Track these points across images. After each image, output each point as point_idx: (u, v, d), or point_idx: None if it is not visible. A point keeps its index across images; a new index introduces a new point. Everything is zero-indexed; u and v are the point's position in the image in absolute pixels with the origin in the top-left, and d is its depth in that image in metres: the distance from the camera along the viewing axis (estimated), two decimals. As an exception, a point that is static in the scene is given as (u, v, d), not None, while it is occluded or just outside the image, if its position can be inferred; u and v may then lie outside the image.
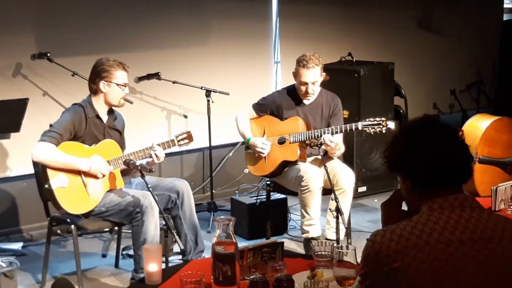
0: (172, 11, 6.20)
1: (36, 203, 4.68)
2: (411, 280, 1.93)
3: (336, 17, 7.20)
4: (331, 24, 7.15)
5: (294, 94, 5.13)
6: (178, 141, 4.62)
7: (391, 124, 4.82)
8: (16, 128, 5.19)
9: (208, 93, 5.92)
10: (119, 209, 4.39)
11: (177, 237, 4.20)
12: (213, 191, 6.08)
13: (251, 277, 2.62)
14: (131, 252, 4.78)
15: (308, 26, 6.95)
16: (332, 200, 4.73)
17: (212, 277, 2.62)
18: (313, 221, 4.95)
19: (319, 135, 4.89)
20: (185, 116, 6.30)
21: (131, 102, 5.47)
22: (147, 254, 2.91)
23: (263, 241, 3.01)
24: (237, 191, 6.03)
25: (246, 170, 5.48)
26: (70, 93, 5.38)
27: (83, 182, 4.34)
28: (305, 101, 5.12)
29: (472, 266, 1.94)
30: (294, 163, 5.07)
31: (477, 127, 5.30)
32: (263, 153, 5.11)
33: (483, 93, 8.32)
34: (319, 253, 2.87)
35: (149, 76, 5.91)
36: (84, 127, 4.42)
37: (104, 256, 5.19)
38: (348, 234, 4.97)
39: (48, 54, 5.46)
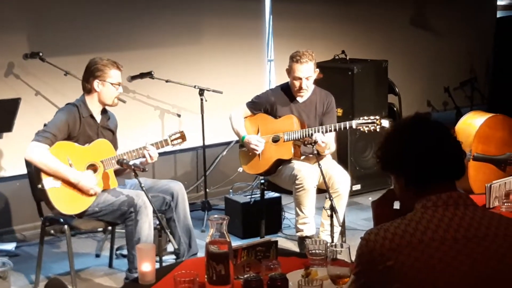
0: (165, 9, 6.19)
1: (29, 203, 4.67)
2: (405, 278, 1.93)
3: (329, 15, 7.20)
4: (325, 22, 7.15)
5: (288, 91, 5.13)
6: (171, 140, 4.61)
7: (385, 122, 4.83)
8: (9, 128, 5.17)
9: (201, 91, 5.92)
10: (112, 209, 4.37)
11: (171, 236, 4.19)
12: (207, 190, 6.07)
13: (245, 276, 2.61)
14: (125, 252, 4.76)
15: (301, 24, 6.94)
16: (326, 198, 4.72)
17: (206, 276, 2.62)
18: (308, 219, 4.94)
19: (313, 133, 4.89)
20: (179, 115, 6.29)
21: (124, 102, 5.47)
22: (140, 253, 2.90)
23: (257, 240, 3.00)
24: (231, 190, 6.02)
25: (240, 169, 5.47)
26: (63, 93, 5.36)
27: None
28: (299, 99, 5.11)
29: (466, 264, 1.94)
30: (288, 161, 5.07)
31: (471, 125, 5.30)
32: (258, 150, 5.10)
33: (477, 90, 8.34)
34: (313, 251, 2.86)
35: (142, 75, 5.91)
36: (78, 127, 4.41)
37: (97, 256, 5.18)
38: (342, 232, 4.97)
39: (40, 54, 5.44)
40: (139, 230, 4.30)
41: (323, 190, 4.86)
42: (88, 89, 4.46)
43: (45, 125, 4.42)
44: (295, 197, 4.94)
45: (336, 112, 5.23)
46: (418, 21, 7.92)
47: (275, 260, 2.81)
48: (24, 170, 4.54)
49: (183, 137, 4.65)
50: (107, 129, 4.59)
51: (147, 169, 4.44)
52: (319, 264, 2.81)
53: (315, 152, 4.76)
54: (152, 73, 5.90)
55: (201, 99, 5.91)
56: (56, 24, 5.66)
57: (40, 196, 4.35)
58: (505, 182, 3.80)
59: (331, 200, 4.44)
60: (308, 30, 6.95)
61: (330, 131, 4.93)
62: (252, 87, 6.21)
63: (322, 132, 4.89)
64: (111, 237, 4.98)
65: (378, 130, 4.81)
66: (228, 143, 6.60)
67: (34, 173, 4.35)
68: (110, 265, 4.97)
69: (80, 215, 4.38)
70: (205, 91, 5.93)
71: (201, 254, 4.50)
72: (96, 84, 4.42)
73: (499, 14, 8.87)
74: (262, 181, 5.32)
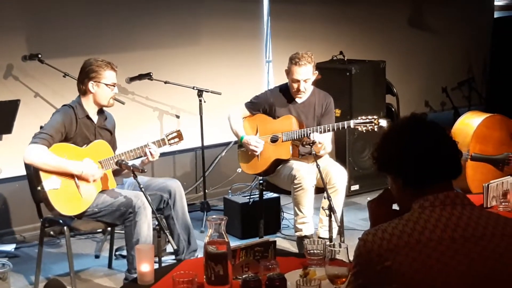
0: (163, 11, 6.19)
1: (29, 205, 4.68)
2: (403, 278, 1.93)
3: (327, 16, 7.20)
4: (323, 23, 7.15)
5: (286, 92, 5.14)
6: (168, 140, 4.62)
7: (383, 122, 4.84)
8: (8, 130, 5.18)
9: (200, 93, 5.92)
10: (111, 209, 4.38)
11: (170, 237, 4.20)
12: (206, 190, 6.08)
13: (244, 276, 2.62)
14: (124, 252, 4.77)
15: (299, 25, 6.95)
16: (324, 198, 4.74)
17: (204, 276, 2.63)
18: (306, 219, 4.96)
19: (311, 133, 4.90)
20: (177, 116, 6.30)
21: (122, 103, 5.48)
22: (139, 254, 2.91)
23: (256, 240, 3.02)
24: (230, 191, 6.02)
25: (239, 170, 5.48)
26: (62, 94, 5.37)
27: (75, 184, 4.33)
28: (298, 100, 5.13)
29: (463, 264, 1.94)
30: (287, 161, 5.08)
31: (468, 125, 5.31)
32: (257, 151, 5.11)
33: (474, 90, 8.35)
34: (312, 251, 2.87)
35: (140, 77, 5.91)
36: (74, 128, 4.41)
37: (97, 257, 5.19)
38: (341, 232, 4.98)
39: (39, 55, 5.45)
40: (138, 230, 4.31)
41: (321, 190, 4.87)
42: (83, 91, 4.47)
43: (41, 127, 4.43)
44: (293, 197, 4.95)
45: (334, 113, 5.24)
46: (416, 22, 7.93)
47: (274, 260, 2.82)
48: (23, 172, 4.54)
49: (180, 136, 4.65)
50: (104, 129, 4.59)
51: (146, 170, 4.45)
52: (317, 264, 2.82)
53: (313, 152, 4.77)
54: (151, 74, 5.91)
55: (200, 100, 5.92)
56: (55, 26, 5.66)
57: (40, 197, 4.35)
58: (503, 182, 3.82)
59: (330, 200, 4.45)
60: (306, 31, 6.96)
61: (328, 131, 4.94)
62: (250, 88, 6.22)
63: (320, 132, 4.91)
64: (111, 238, 4.98)
65: (376, 129, 4.82)
66: (227, 144, 6.61)
67: (33, 174, 4.35)
68: (110, 265, 4.98)
69: (80, 216, 4.39)
70: (204, 92, 5.94)
71: (200, 254, 4.51)
72: (90, 85, 4.43)
73: (496, 14, 8.88)
74: (261, 181, 5.33)
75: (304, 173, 4.89)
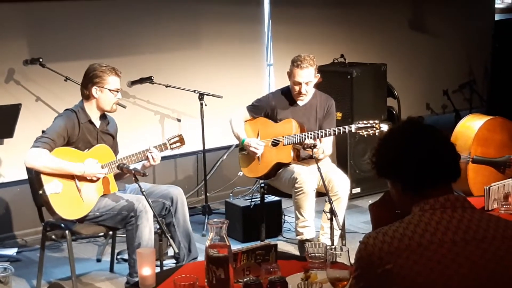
0: (164, 15, 6.20)
1: (30, 209, 4.68)
2: (404, 281, 1.93)
3: (328, 19, 7.21)
4: (323, 26, 7.16)
5: (288, 95, 5.15)
6: (170, 144, 4.62)
7: (385, 127, 4.84)
8: (9, 134, 5.18)
9: (201, 96, 5.93)
10: (113, 213, 4.38)
11: (171, 240, 4.20)
12: (207, 194, 6.08)
13: (245, 279, 2.62)
14: (125, 256, 4.77)
15: (300, 28, 6.96)
16: (326, 202, 4.74)
17: (205, 280, 2.63)
18: (307, 222, 4.95)
19: (313, 137, 4.91)
20: (179, 120, 6.30)
21: (124, 107, 5.48)
22: (140, 258, 2.91)
23: (257, 243, 3.02)
24: (231, 194, 6.03)
25: (240, 173, 5.48)
26: (63, 98, 5.37)
27: (77, 188, 4.34)
28: (299, 102, 5.13)
29: (465, 267, 1.94)
30: (288, 165, 5.08)
31: (470, 127, 5.31)
32: (257, 153, 5.12)
33: (475, 93, 8.35)
34: (313, 254, 2.87)
35: (142, 80, 5.91)
36: (77, 132, 4.42)
37: (98, 260, 5.19)
38: (342, 236, 4.98)
39: (41, 59, 5.45)
40: (139, 234, 4.31)
41: (322, 194, 4.87)
42: (86, 95, 4.47)
43: (43, 131, 4.43)
44: (294, 200, 4.95)
45: (335, 116, 5.25)
46: (417, 25, 7.93)
47: (275, 263, 2.82)
48: (25, 176, 4.55)
49: (181, 140, 4.66)
50: (106, 134, 4.59)
51: (148, 173, 4.45)
52: (318, 267, 2.82)
53: (314, 156, 4.77)
54: (152, 78, 5.91)
55: (201, 104, 5.92)
56: (56, 30, 5.67)
57: (41, 201, 4.35)
58: (504, 185, 3.81)
59: (331, 204, 4.45)
60: (307, 34, 6.96)
61: (330, 135, 4.95)
62: (251, 92, 6.23)
63: (321, 136, 4.92)
64: (112, 241, 4.99)
65: (377, 134, 4.83)
66: (228, 147, 6.61)
67: (35, 179, 4.35)
68: (111, 269, 4.98)
69: (81, 220, 4.39)
70: (205, 95, 5.94)
71: (201, 258, 4.51)
72: (94, 90, 4.43)
73: (497, 17, 8.88)
74: (262, 185, 5.33)
75: (305, 176, 4.89)
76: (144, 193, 4.23)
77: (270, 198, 5.57)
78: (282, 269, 2.74)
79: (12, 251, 5.35)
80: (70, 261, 4.43)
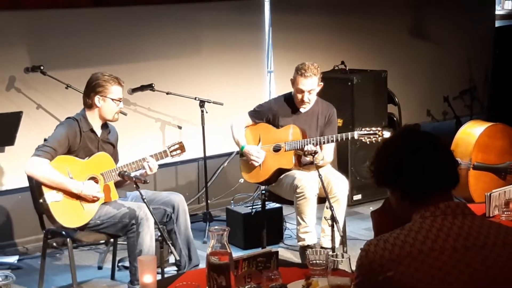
0: (165, 22, 6.21)
1: (31, 216, 4.68)
2: (405, 288, 1.94)
3: (328, 26, 7.22)
4: (324, 33, 7.17)
5: (290, 101, 5.16)
6: (170, 151, 4.63)
7: (387, 134, 4.85)
8: (10, 142, 5.19)
9: (202, 103, 5.93)
10: (114, 221, 4.38)
11: (172, 248, 4.20)
12: (209, 201, 6.08)
13: (246, 287, 2.62)
14: (127, 263, 4.77)
15: (301, 35, 6.96)
16: (327, 208, 4.74)
17: (207, 287, 2.62)
18: (309, 228, 4.96)
19: (314, 143, 4.92)
20: (180, 127, 6.31)
21: (125, 114, 5.49)
22: (141, 265, 2.91)
23: (258, 250, 3.01)
24: (232, 201, 6.03)
25: (241, 180, 5.49)
26: (64, 106, 5.38)
27: (77, 196, 4.34)
28: (301, 109, 5.14)
29: (465, 274, 1.94)
30: (289, 170, 5.09)
31: (470, 134, 5.32)
32: (258, 162, 5.13)
33: (476, 99, 8.35)
34: (314, 261, 2.87)
35: (142, 88, 5.92)
36: (78, 141, 4.42)
37: (100, 268, 5.18)
38: (343, 242, 4.98)
39: (42, 67, 5.46)
40: (141, 242, 4.31)
41: (323, 200, 4.87)
42: (89, 104, 4.47)
43: (45, 139, 4.43)
44: (296, 206, 4.96)
45: (337, 123, 5.26)
46: (417, 31, 7.94)
47: (276, 270, 2.82)
48: (26, 183, 4.55)
49: (182, 148, 4.66)
50: (107, 143, 4.60)
51: (148, 181, 4.45)
52: (319, 274, 2.82)
53: (315, 162, 4.78)
54: (153, 85, 5.92)
55: (202, 111, 5.93)
56: (57, 38, 5.68)
57: (42, 209, 4.36)
58: (505, 191, 3.81)
59: (332, 210, 4.46)
60: (307, 41, 6.97)
61: (332, 141, 4.97)
62: (252, 98, 6.22)
63: (324, 142, 4.93)
64: (113, 249, 4.98)
65: (379, 141, 4.84)
66: (229, 154, 6.61)
67: (35, 187, 4.36)
68: (112, 277, 4.97)
69: (82, 228, 4.39)
70: (206, 102, 5.95)
71: (203, 265, 4.51)
72: (97, 99, 4.43)
73: (497, 23, 8.89)
74: (263, 191, 5.34)
75: (307, 182, 4.90)
76: (145, 200, 4.23)
77: (271, 205, 5.57)
78: (283, 276, 2.74)
79: (13, 259, 5.35)
80: (71, 269, 4.43)
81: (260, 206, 5.45)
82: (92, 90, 4.44)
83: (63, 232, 4.41)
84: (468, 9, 8.30)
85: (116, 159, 4.62)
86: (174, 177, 6.45)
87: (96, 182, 4.41)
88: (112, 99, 4.44)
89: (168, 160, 4.76)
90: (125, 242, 4.56)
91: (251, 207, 5.63)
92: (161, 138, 6.24)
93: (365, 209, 6.35)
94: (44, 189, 4.26)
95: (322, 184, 4.64)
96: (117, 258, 5.02)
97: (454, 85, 8.22)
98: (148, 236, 4.32)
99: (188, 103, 6.05)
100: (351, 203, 6.07)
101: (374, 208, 2.40)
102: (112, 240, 4.92)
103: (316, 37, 7.08)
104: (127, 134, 5.38)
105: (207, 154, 6.03)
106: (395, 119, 7.16)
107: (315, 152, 4.82)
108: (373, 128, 4.89)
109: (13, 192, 5.55)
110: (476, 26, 8.40)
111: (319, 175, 4.63)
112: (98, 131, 4.53)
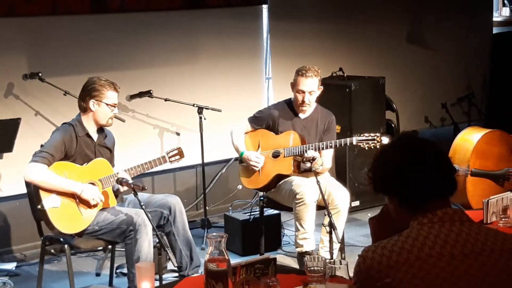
0: (163, 29, 6.22)
1: (29, 223, 4.68)
2: (403, 295, 1.94)
3: (326, 33, 7.23)
4: (322, 40, 7.18)
5: (290, 107, 5.17)
6: (169, 157, 4.64)
7: (386, 140, 4.85)
8: (9, 148, 5.19)
9: (200, 110, 5.94)
10: (112, 227, 4.38)
11: (170, 254, 4.20)
12: (207, 207, 6.08)
13: (244, 293, 2.62)
14: (125, 270, 4.77)
15: (299, 42, 6.98)
16: (325, 215, 4.74)
17: (205, 294, 2.63)
18: (308, 234, 4.95)
19: (313, 149, 4.92)
20: (178, 134, 6.31)
21: (123, 121, 5.50)
22: (139, 272, 2.91)
23: (256, 257, 3.01)
24: (230, 208, 6.03)
25: (239, 186, 5.49)
26: (62, 113, 5.38)
27: (75, 202, 4.34)
28: (301, 115, 5.15)
29: (463, 280, 1.95)
30: (288, 177, 5.09)
31: (468, 140, 5.32)
32: (257, 167, 5.13)
33: (474, 106, 8.36)
34: (312, 268, 2.87)
35: (141, 94, 5.92)
36: (75, 146, 4.42)
37: (98, 275, 5.18)
38: (341, 249, 4.98)
39: (40, 74, 5.46)
40: (138, 248, 4.31)
41: (322, 207, 4.87)
42: (83, 108, 4.48)
43: (41, 145, 4.44)
44: (295, 212, 4.95)
45: (336, 131, 5.26)
46: (415, 38, 7.96)
47: (274, 277, 2.82)
48: (24, 190, 4.54)
49: (180, 153, 4.67)
50: (104, 147, 4.60)
51: (147, 187, 4.46)
52: (317, 281, 2.82)
53: (313, 169, 4.78)
54: (151, 92, 5.92)
55: (200, 117, 5.93)
56: (55, 44, 5.69)
57: (40, 216, 4.35)
58: (502, 198, 3.81)
59: (330, 217, 4.46)
60: (305, 48, 6.98)
61: (331, 147, 4.97)
62: (250, 105, 6.24)
63: (322, 148, 4.93)
64: (111, 255, 4.97)
65: (378, 147, 4.84)
66: (227, 161, 6.62)
67: (33, 193, 4.36)
68: (111, 283, 4.96)
69: (80, 234, 4.39)
70: (204, 109, 5.96)
71: (201, 270, 4.51)
72: (91, 103, 4.44)
73: (495, 30, 8.91)
74: (261, 198, 5.34)
75: (306, 188, 4.90)
76: (143, 206, 4.23)
77: (269, 211, 5.57)
78: (281, 283, 2.74)
79: (11, 266, 5.34)
80: (69, 275, 4.43)
81: (258, 212, 5.45)
82: (87, 94, 4.45)
83: (61, 239, 4.40)
84: (465, 16, 8.32)
85: (112, 164, 4.62)
86: (172, 183, 6.45)
87: (95, 188, 4.41)
88: (107, 104, 4.45)
89: (167, 166, 4.76)
90: (123, 249, 4.56)
91: (249, 214, 5.63)
92: (159, 144, 6.24)
93: (363, 215, 6.35)
94: (42, 195, 4.26)
95: (320, 190, 4.64)
96: (115, 265, 5.01)
97: (452, 91, 8.23)
98: (146, 242, 4.32)
99: (186, 110, 6.05)
100: (349, 210, 6.05)
101: (372, 214, 2.41)
102: (110, 246, 4.91)
103: (314, 43, 7.10)
104: (125, 141, 5.38)
105: (205, 161, 6.03)
106: (393, 125, 7.16)
107: (313, 159, 4.83)
108: (372, 134, 4.89)
109: (11, 199, 5.54)
110: (473, 32, 8.42)
111: (317, 181, 4.63)
112: (94, 136, 4.53)
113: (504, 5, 9.37)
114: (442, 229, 2.01)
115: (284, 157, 5.07)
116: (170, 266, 4.75)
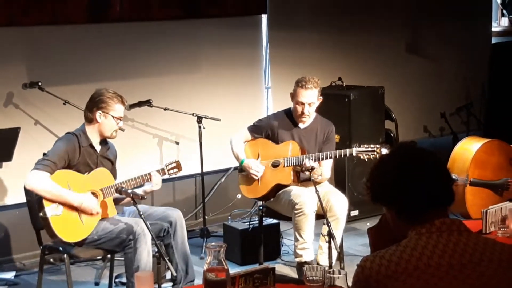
0: (163, 39, 6.23)
1: (29, 232, 4.67)
2: (401, 304, 1.94)
3: (325, 43, 7.25)
4: (321, 50, 7.20)
5: (290, 117, 5.18)
6: (168, 170, 4.65)
7: (385, 151, 4.86)
8: (8, 157, 5.19)
9: (199, 119, 5.94)
10: (111, 237, 4.38)
11: (169, 264, 4.20)
12: (206, 217, 6.07)
13: (243, 303, 2.62)
14: (124, 279, 4.77)
15: (298, 52, 6.99)
16: (324, 224, 4.74)
17: (204, 304, 2.63)
18: (307, 244, 4.96)
19: (313, 159, 4.93)
20: (177, 143, 6.32)
21: (122, 130, 5.49)
22: (139, 281, 2.91)
23: (255, 267, 3.02)
24: (229, 217, 6.03)
25: (239, 196, 5.49)
26: (62, 122, 5.39)
27: (77, 211, 4.34)
28: (301, 125, 5.16)
29: (461, 290, 1.95)
30: (287, 186, 5.09)
31: (467, 150, 5.33)
32: (257, 176, 5.14)
33: (473, 115, 8.37)
34: (311, 278, 2.87)
35: (140, 104, 5.92)
36: (77, 155, 4.43)
37: (97, 284, 5.18)
38: (340, 258, 4.98)
39: (39, 83, 5.46)
40: (138, 257, 4.31)
41: (321, 216, 4.87)
42: (89, 119, 4.49)
43: (44, 154, 4.44)
44: (294, 222, 4.95)
45: (335, 141, 5.27)
46: (414, 48, 7.98)
47: (273, 287, 2.83)
48: (23, 199, 4.55)
49: (178, 166, 4.69)
50: (106, 159, 4.60)
51: (146, 197, 4.46)
52: (316, 291, 2.83)
53: (312, 178, 4.79)
54: (151, 101, 5.92)
55: (199, 127, 5.94)
56: (55, 54, 5.70)
57: (42, 224, 4.35)
58: (501, 208, 3.82)
59: (329, 227, 4.46)
60: (304, 57, 6.99)
61: (331, 158, 4.98)
62: (249, 114, 6.25)
63: (322, 158, 4.94)
64: (110, 265, 4.97)
65: (378, 158, 4.84)
66: (226, 170, 6.62)
67: (35, 201, 4.35)
68: (109, 293, 4.97)
69: (80, 243, 4.39)
70: (203, 118, 5.96)
71: (199, 281, 4.50)
72: (98, 115, 4.45)
73: (494, 40, 8.93)
74: (261, 207, 5.34)
75: (306, 198, 4.90)
76: (143, 216, 4.24)
77: (268, 220, 5.57)
78: (280, 292, 2.75)
79: (10, 275, 5.34)
80: (68, 285, 4.42)
81: (257, 222, 5.45)
82: (95, 105, 4.46)
83: (60, 248, 4.40)
84: (464, 26, 8.34)
85: (114, 177, 4.63)
86: (171, 193, 6.45)
87: (96, 197, 4.42)
88: (113, 117, 4.46)
89: (165, 176, 4.77)
90: (122, 258, 4.56)
91: (248, 223, 5.62)
92: (159, 154, 6.25)
93: (362, 225, 6.35)
94: (44, 202, 4.26)
95: (320, 200, 4.64)
96: (114, 274, 5.01)
97: (451, 101, 8.24)
98: (145, 252, 4.32)
99: (186, 119, 6.06)
100: (348, 219, 6.04)
101: (371, 224, 2.41)
102: (109, 256, 4.91)
103: (313, 53, 7.11)
104: (125, 150, 5.38)
105: (204, 170, 6.04)
106: (392, 135, 7.17)
107: (312, 168, 4.83)
108: (372, 145, 4.90)
109: (11, 208, 5.54)
110: (472, 43, 8.44)
111: (316, 191, 4.64)
112: (97, 147, 4.54)
113: (503, 15, 9.39)
114: (440, 239, 2.01)
115: (284, 167, 5.08)
116: (168, 275, 4.75)
